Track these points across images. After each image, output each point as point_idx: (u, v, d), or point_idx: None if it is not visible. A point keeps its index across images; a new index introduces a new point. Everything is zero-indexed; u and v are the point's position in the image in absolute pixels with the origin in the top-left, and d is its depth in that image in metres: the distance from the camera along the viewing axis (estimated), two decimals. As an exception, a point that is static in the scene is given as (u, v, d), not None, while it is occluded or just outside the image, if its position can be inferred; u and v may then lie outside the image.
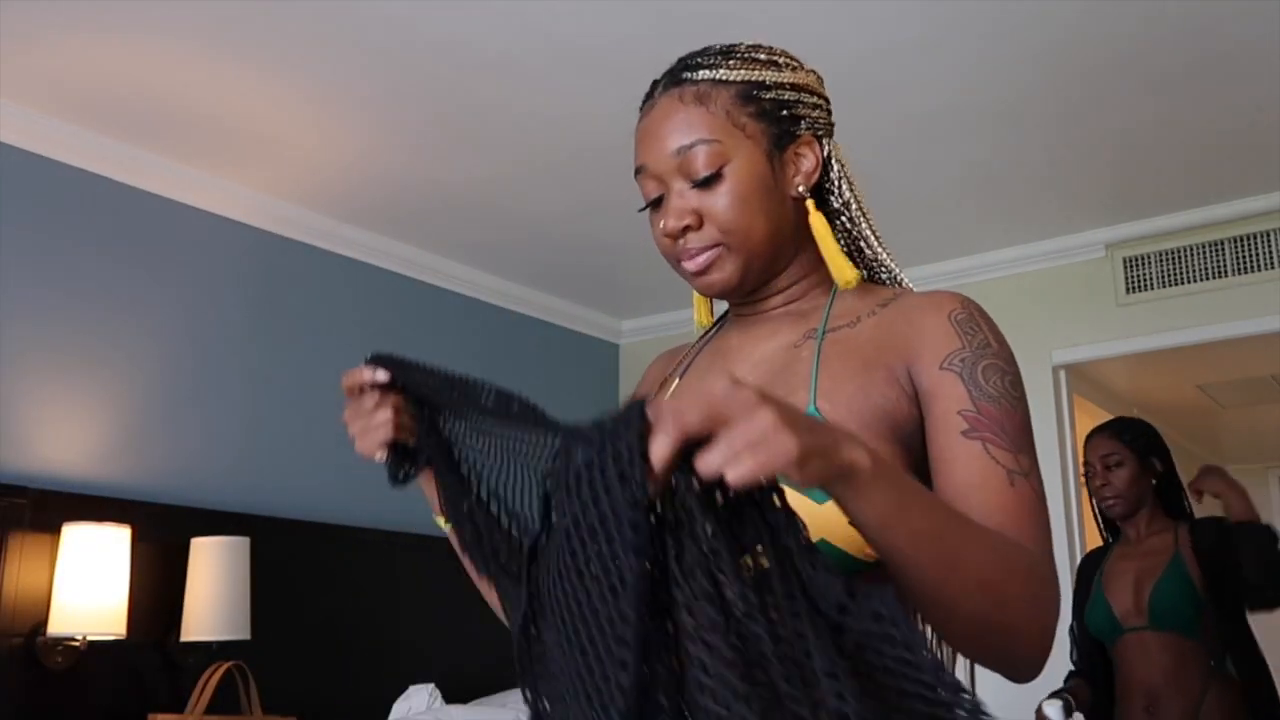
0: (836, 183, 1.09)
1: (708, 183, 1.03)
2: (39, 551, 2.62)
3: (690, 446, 0.67)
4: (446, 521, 1.05)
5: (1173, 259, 3.58)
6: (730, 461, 0.66)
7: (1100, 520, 2.84)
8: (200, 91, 2.74)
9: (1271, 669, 2.54)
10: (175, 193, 3.16)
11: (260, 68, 2.63)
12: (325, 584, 3.23)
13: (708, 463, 0.66)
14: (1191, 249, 3.55)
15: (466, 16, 2.43)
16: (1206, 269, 3.52)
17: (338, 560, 3.29)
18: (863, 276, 1.11)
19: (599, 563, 0.67)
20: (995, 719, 0.66)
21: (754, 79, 1.05)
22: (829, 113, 1.10)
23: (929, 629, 0.87)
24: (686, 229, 1.04)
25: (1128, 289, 3.64)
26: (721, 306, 1.18)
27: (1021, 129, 2.98)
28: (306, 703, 2.90)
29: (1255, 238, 3.45)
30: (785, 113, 1.05)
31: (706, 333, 1.19)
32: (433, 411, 1.05)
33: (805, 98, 1.07)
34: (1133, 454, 2.69)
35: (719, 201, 1.03)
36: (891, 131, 2.94)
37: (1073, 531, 3.66)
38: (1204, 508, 2.83)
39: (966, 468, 0.91)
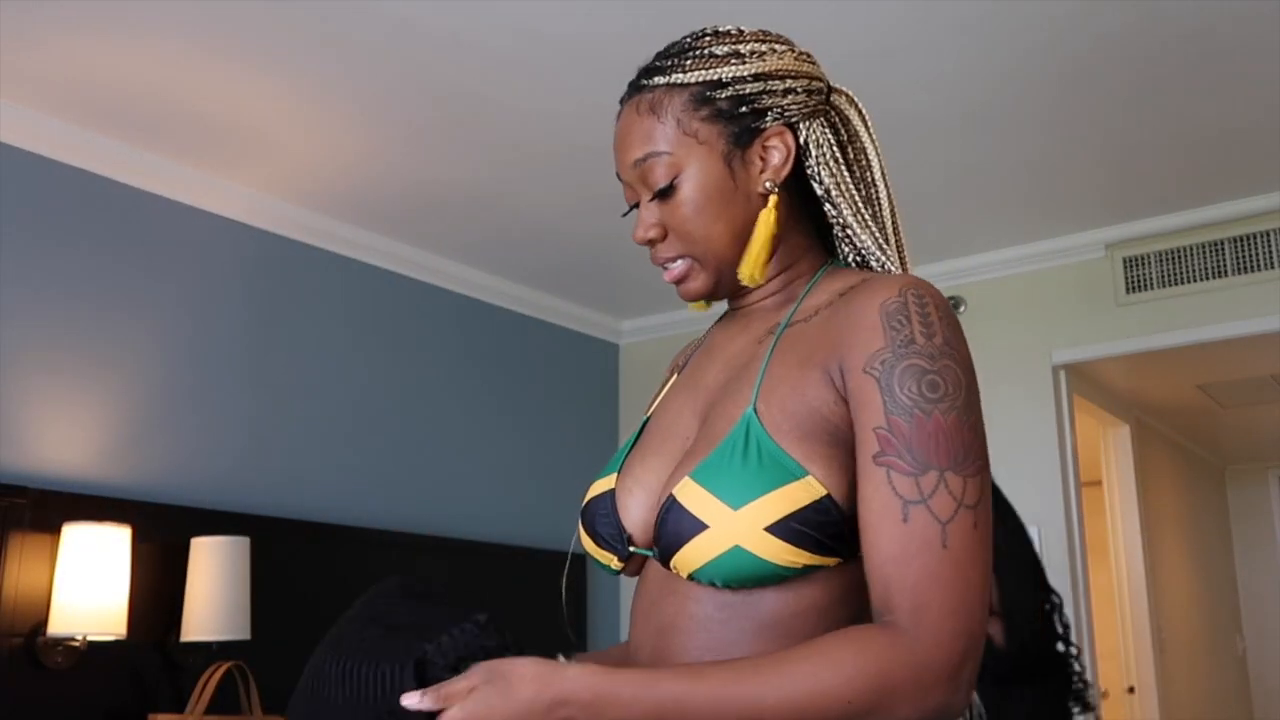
0: (816, 169, 1.04)
1: (664, 195, 1.03)
2: (39, 551, 2.62)
3: None
4: None
5: (1173, 259, 3.58)
6: None
7: None
8: (199, 91, 2.74)
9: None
10: (174, 192, 3.16)
11: (259, 67, 2.63)
12: (325, 584, 3.23)
13: None
14: (1191, 249, 3.55)
15: (466, 15, 2.43)
16: (1206, 269, 3.51)
17: (338, 560, 3.29)
18: (855, 262, 1.07)
19: None
20: None
21: (709, 79, 1.02)
22: (811, 93, 1.05)
23: None
24: (652, 240, 1.06)
25: (1128, 289, 3.64)
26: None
27: (1021, 129, 2.98)
28: (306, 703, 2.90)
29: (1255, 238, 3.45)
30: (745, 108, 1.02)
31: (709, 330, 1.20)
32: None
33: (772, 85, 1.03)
34: None
35: (676, 213, 1.03)
36: (890, 131, 2.93)
37: (1073, 532, 3.66)
38: None
39: (870, 501, 0.88)
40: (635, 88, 1.07)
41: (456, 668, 0.87)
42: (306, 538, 3.23)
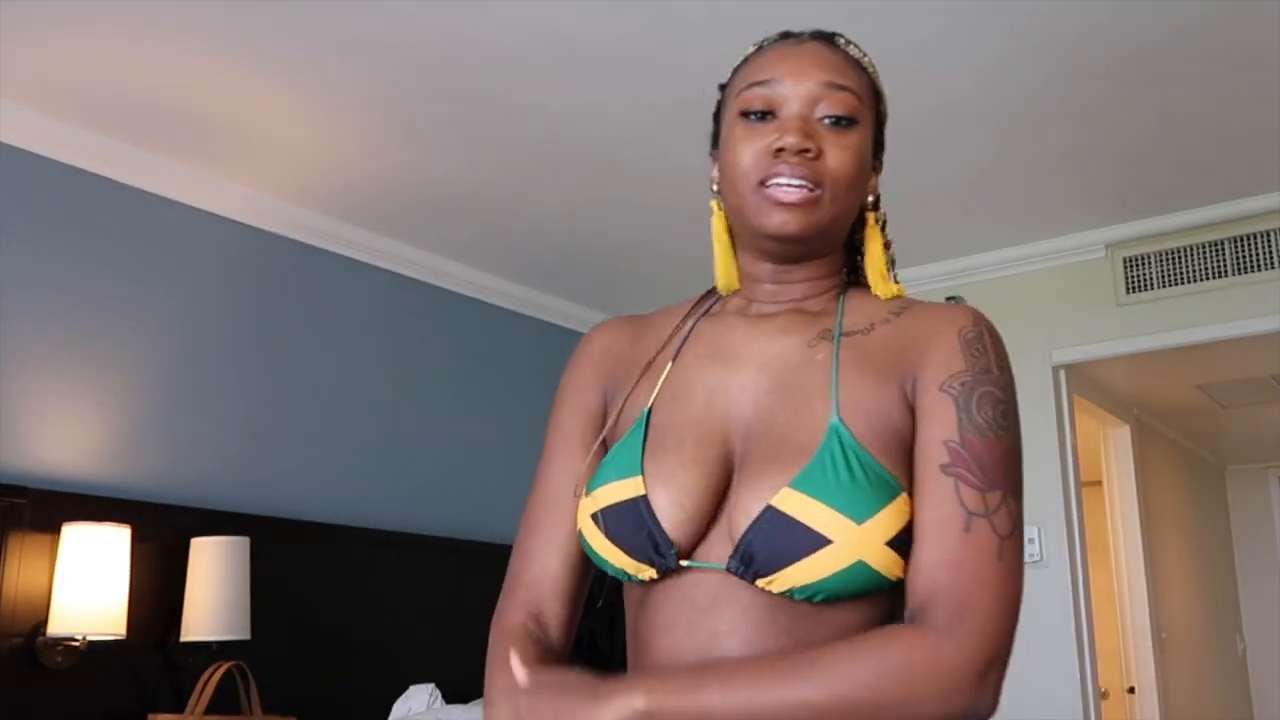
0: (875, 199, 1.11)
1: (844, 125, 1.02)
2: (39, 551, 2.62)
3: None
4: None
5: (1173, 259, 3.58)
6: None
7: None
8: (198, 91, 2.74)
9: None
10: (174, 192, 3.16)
11: (258, 67, 2.63)
12: (325, 584, 3.23)
13: None
14: (1191, 249, 3.55)
15: (464, 13, 2.43)
16: (1206, 269, 3.51)
17: (338, 560, 3.29)
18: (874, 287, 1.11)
19: None
20: None
21: (879, 86, 1.10)
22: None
23: None
24: (805, 152, 1.00)
25: (1128, 289, 3.64)
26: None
27: (1021, 129, 2.98)
28: (306, 703, 2.90)
29: (1255, 238, 3.45)
30: (881, 131, 1.10)
31: (686, 316, 1.12)
32: None
33: (882, 138, 1.11)
34: None
35: (841, 150, 1.02)
36: (890, 131, 2.93)
37: (1073, 532, 3.66)
38: None
39: (935, 507, 0.91)
40: (827, 37, 1.08)
41: None
42: (306, 538, 3.23)
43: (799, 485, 0.91)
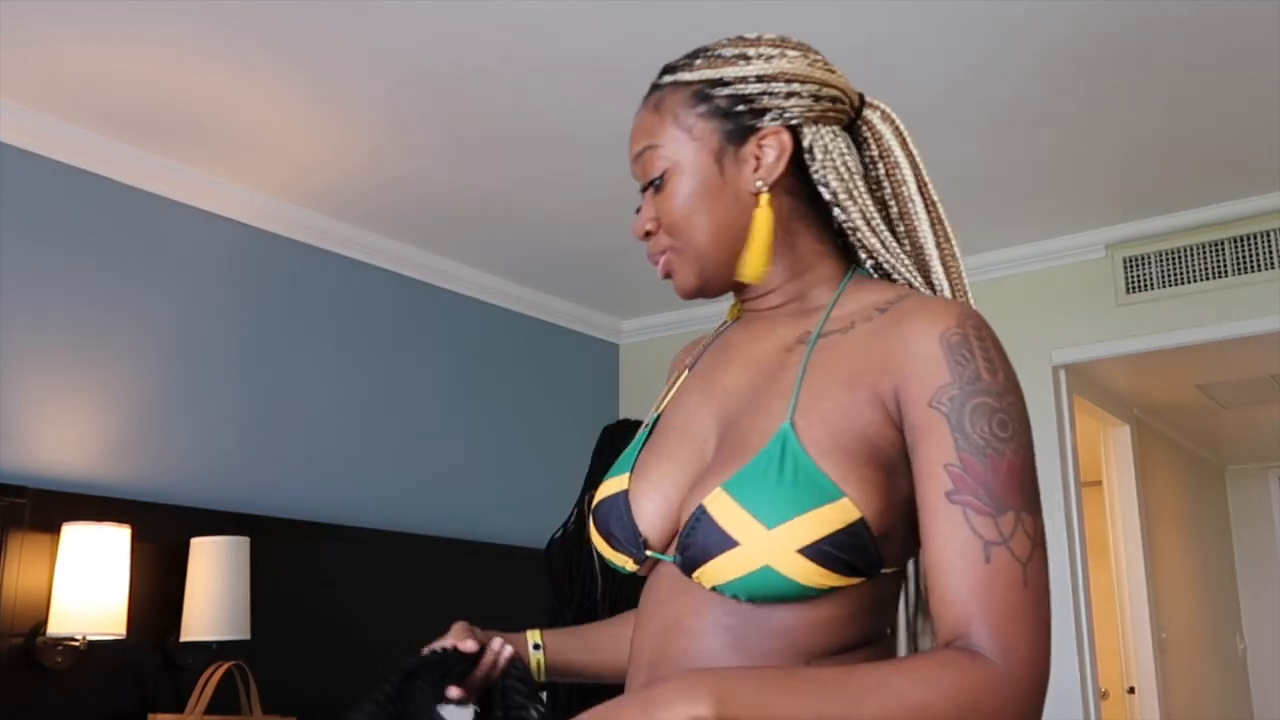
0: (823, 173, 1.04)
1: (656, 187, 1.05)
2: (39, 551, 2.62)
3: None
4: None
5: (1173, 259, 3.58)
6: None
7: None
8: (198, 91, 2.74)
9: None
10: (173, 192, 3.16)
11: (258, 67, 2.63)
12: (325, 584, 3.23)
13: None
14: (1191, 249, 3.55)
15: (464, 14, 2.43)
16: (1206, 269, 3.51)
17: (338, 560, 3.29)
18: (868, 271, 1.09)
19: None
20: None
21: (711, 77, 1.04)
22: (820, 99, 1.04)
23: None
24: (648, 233, 1.07)
25: (1128, 289, 3.64)
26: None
27: (1021, 128, 2.98)
28: (306, 703, 2.91)
29: (1255, 238, 3.45)
30: (743, 107, 1.02)
31: (724, 325, 1.18)
32: None
33: (775, 87, 1.02)
34: None
35: (665, 205, 1.05)
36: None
37: (1073, 532, 3.66)
38: None
39: (947, 539, 0.88)
40: (652, 86, 1.09)
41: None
42: (306, 538, 3.23)
43: (729, 486, 0.93)
